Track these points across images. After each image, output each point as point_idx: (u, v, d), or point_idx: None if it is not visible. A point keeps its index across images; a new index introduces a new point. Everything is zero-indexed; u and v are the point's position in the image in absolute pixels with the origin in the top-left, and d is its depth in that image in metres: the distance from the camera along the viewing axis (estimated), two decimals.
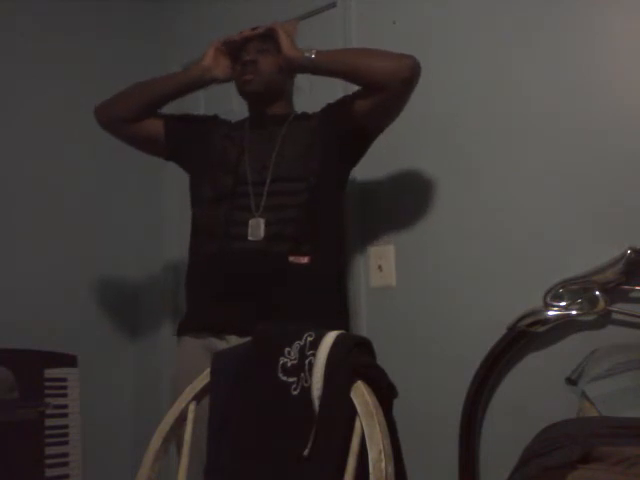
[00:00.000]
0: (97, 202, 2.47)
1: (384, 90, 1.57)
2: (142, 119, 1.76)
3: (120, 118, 1.78)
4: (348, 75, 1.64)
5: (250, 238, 1.56)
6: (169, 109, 1.85)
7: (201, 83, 1.78)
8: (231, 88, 2.27)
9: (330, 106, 1.74)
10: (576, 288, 1.53)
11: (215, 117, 1.86)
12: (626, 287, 1.50)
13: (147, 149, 1.87)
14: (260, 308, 1.51)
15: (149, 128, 1.78)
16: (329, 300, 1.62)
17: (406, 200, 1.88)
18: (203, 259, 1.65)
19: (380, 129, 1.71)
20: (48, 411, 1.86)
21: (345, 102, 1.69)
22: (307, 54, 1.61)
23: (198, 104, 2.58)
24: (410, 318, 1.85)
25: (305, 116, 1.76)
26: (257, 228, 1.57)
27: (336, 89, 2.11)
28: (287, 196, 1.61)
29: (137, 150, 1.89)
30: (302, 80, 1.85)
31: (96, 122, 1.84)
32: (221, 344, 1.51)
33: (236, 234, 1.58)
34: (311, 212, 1.60)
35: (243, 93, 1.77)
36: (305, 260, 1.56)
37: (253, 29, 1.73)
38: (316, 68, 1.65)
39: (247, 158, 1.66)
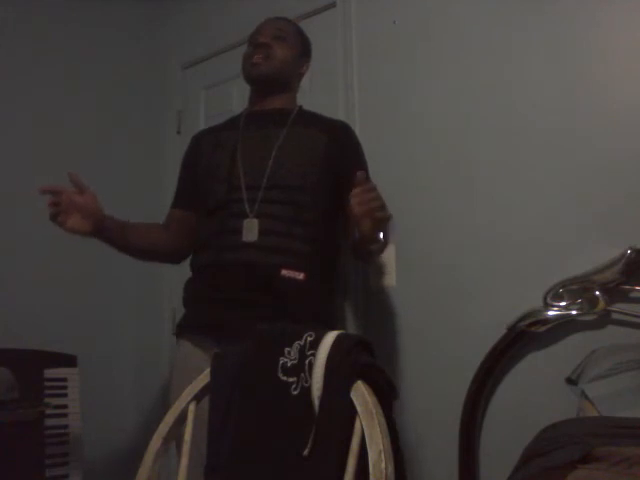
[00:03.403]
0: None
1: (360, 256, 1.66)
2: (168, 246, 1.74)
3: (173, 259, 1.79)
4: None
5: (244, 239, 1.53)
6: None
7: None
8: (231, 87, 2.27)
9: (344, 143, 1.68)
10: (576, 288, 1.53)
11: (197, 137, 1.80)
12: (626, 287, 1.50)
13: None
14: (257, 313, 1.48)
15: (184, 223, 1.73)
16: (320, 313, 1.59)
17: (406, 201, 1.88)
18: (197, 270, 1.64)
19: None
20: (48, 411, 1.86)
21: (348, 179, 1.62)
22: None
23: (198, 104, 2.59)
24: (410, 318, 1.85)
25: (309, 118, 1.71)
26: (251, 229, 1.54)
27: (337, 88, 2.12)
28: (283, 205, 1.56)
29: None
30: (303, 80, 1.85)
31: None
32: (218, 345, 1.50)
33: (228, 243, 1.55)
34: (309, 226, 1.57)
35: (249, 76, 1.70)
36: (301, 277, 1.52)
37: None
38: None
39: (240, 160, 1.61)
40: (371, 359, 1.13)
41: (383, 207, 1.32)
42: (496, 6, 1.81)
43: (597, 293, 1.50)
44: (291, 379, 1.12)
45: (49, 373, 1.97)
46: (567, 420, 1.21)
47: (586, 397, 1.34)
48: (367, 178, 1.36)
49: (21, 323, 2.12)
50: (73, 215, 1.48)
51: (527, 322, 1.57)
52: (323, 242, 1.62)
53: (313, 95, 2.07)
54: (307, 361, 1.11)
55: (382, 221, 1.34)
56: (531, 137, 1.69)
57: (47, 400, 1.88)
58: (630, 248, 1.46)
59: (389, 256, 1.90)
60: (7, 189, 2.23)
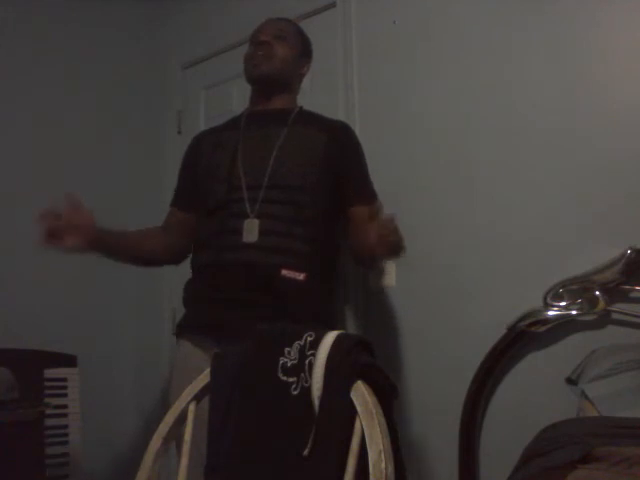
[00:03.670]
0: (97, 202, 2.46)
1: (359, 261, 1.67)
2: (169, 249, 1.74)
3: (173, 261, 1.79)
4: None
5: (245, 240, 1.53)
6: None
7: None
8: (231, 87, 2.26)
9: (344, 143, 1.68)
10: (576, 288, 1.53)
11: (197, 138, 1.80)
12: (626, 287, 1.50)
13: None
14: (257, 313, 1.48)
15: (185, 224, 1.73)
16: (320, 313, 1.59)
17: (406, 201, 1.88)
18: (197, 270, 1.64)
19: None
20: (48, 411, 1.85)
21: (348, 179, 1.65)
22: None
23: (198, 104, 2.59)
24: (410, 318, 1.85)
25: (309, 118, 1.71)
26: (251, 230, 1.53)
27: (337, 88, 2.12)
28: (283, 205, 1.56)
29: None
30: (304, 80, 1.85)
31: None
32: (218, 345, 1.50)
33: (229, 243, 1.55)
34: (309, 226, 1.57)
35: (251, 77, 1.70)
36: (301, 277, 1.52)
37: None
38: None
39: (240, 160, 1.61)
40: (371, 359, 1.13)
41: (401, 241, 1.34)
42: (496, 6, 1.81)
43: (597, 293, 1.50)
44: (291, 379, 1.12)
45: (49, 373, 1.97)
46: (567, 420, 1.21)
47: (586, 397, 1.34)
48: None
49: (21, 323, 2.11)
50: (70, 234, 1.48)
51: (527, 322, 1.57)
52: (323, 242, 1.62)
53: (313, 95, 2.06)
54: (307, 361, 1.11)
55: (397, 254, 1.37)
56: (531, 137, 1.69)
57: (47, 400, 1.88)
58: (630, 248, 1.46)
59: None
60: (7, 189, 2.23)
